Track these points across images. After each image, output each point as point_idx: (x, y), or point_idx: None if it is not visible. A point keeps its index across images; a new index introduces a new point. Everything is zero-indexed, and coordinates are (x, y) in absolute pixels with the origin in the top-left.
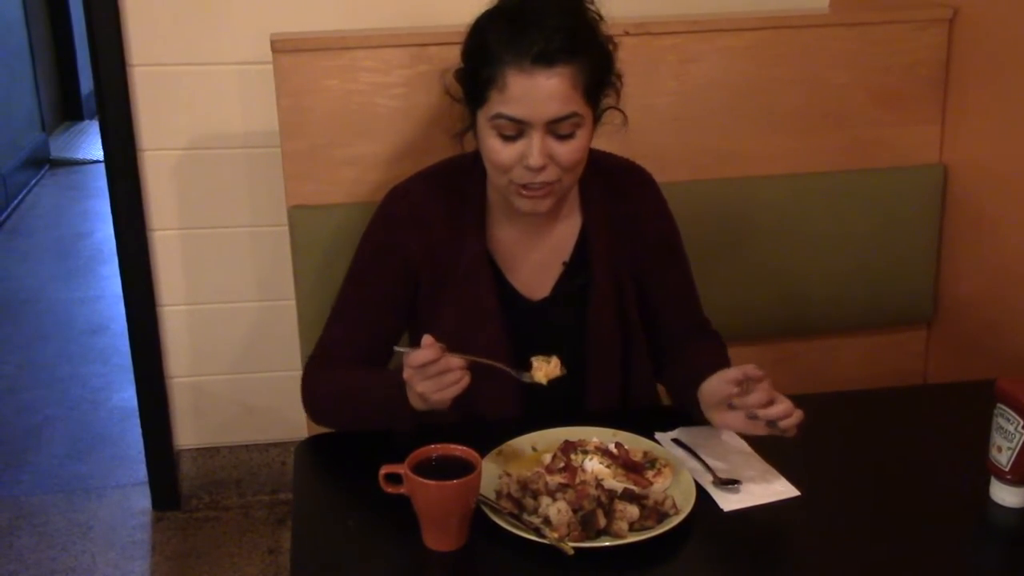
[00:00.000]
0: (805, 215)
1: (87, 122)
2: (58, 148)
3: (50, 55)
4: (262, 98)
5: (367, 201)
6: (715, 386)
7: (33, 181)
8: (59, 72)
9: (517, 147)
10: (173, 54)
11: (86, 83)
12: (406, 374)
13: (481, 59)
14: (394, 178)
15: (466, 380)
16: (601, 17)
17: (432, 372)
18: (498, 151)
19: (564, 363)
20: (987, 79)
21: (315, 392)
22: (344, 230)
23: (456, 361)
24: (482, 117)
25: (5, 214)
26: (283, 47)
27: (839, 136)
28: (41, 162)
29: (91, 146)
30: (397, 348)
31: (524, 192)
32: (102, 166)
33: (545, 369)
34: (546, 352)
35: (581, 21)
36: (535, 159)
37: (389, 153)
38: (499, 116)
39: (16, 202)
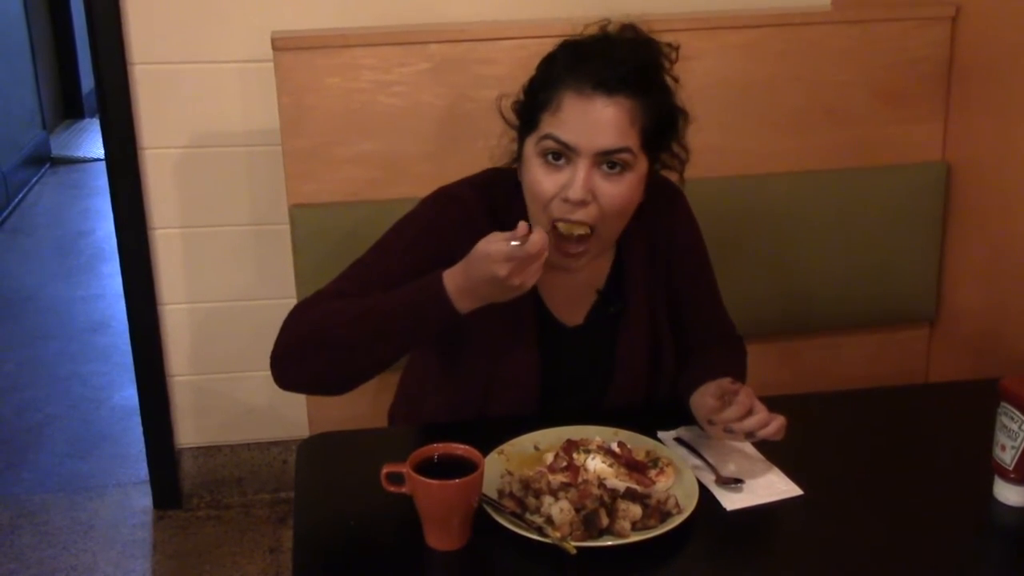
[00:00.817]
0: (807, 213)
1: (88, 120)
2: (59, 146)
3: (51, 53)
4: (263, 96)
5: (368, 199)
6: (699, 399)
7: (34, 179)
8: (60, 70)
9: (560, 177)
10: (174, 52)
11: (87, 81)
12: (506, 270)
13: (541, 84)
14: (395, 177)
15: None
16: (677, 80)
17: (540, 256)
18: (540, 180)
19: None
20: (990, 76)
21: (312, 312)
22: (345, 228)
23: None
24: (530, 143)
25: (6, 212)
26: (284, 45)
27: (841, 134)
28: (42, 160)
29: (92, 144)
30: (512, 242)
31: (560, 228)
32: (103, 164)
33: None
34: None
35: (655, 70)
36: (576, 191)
37: (390, 151)
38: (548, 136)
39: (17, 200)
